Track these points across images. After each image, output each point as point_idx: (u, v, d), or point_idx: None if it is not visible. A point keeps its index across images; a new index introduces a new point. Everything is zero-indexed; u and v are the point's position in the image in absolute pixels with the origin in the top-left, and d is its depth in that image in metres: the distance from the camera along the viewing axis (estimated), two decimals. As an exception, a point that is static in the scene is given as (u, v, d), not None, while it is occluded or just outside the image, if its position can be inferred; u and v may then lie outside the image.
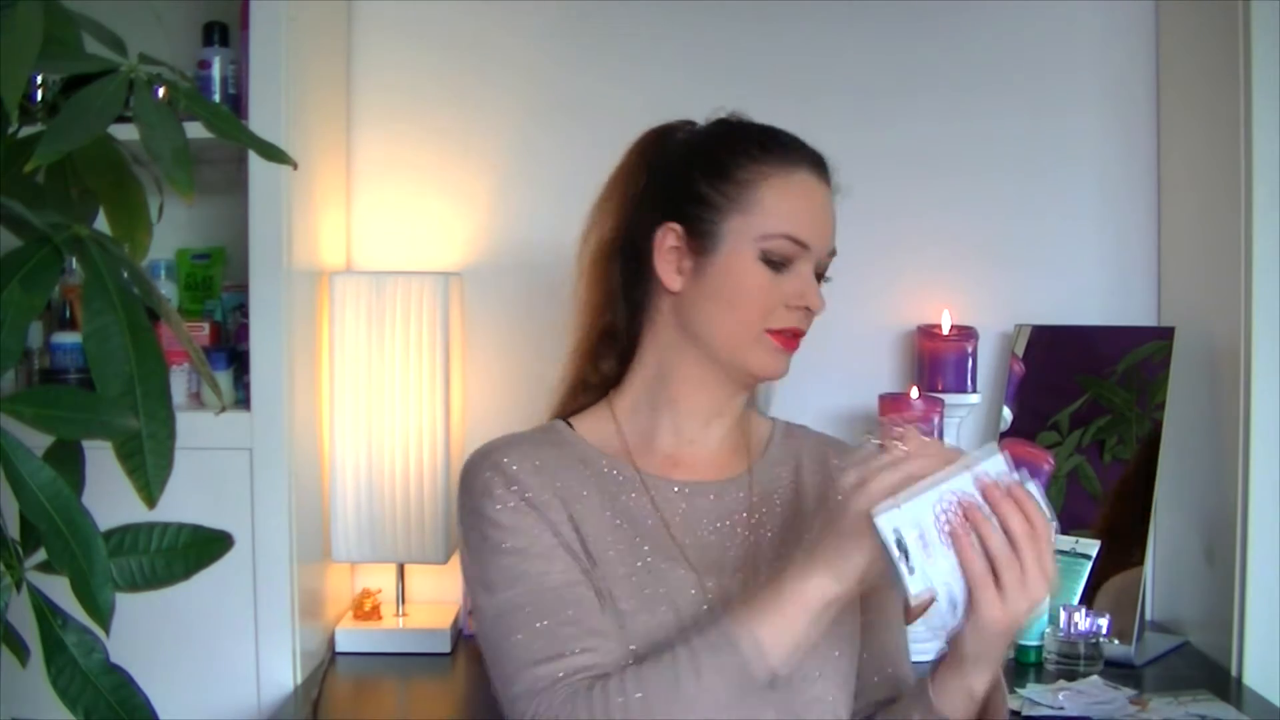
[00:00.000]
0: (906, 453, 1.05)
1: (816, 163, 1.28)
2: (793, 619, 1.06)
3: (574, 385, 1.35)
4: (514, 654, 1.14)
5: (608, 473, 1.27)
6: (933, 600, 1.02)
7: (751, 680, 1.06)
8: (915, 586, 1.01)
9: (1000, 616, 1.02)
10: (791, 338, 1.24)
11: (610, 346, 1.33)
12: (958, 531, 1.02)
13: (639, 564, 1.21)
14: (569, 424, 1.32)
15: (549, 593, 1.16)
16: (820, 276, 1.27)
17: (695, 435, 1.30)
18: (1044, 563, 1.03)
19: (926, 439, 1.07)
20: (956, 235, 2.20)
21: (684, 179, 1.26)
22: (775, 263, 1.22)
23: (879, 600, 1.25)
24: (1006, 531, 1.02)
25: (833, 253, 1.28)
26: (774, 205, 1.23)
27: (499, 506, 1.20)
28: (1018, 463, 2.17)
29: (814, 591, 1.06)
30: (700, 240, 1.24)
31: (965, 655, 1.07)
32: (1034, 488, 1.06)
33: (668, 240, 1.26)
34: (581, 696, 1.08)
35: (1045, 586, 1.03)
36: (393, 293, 1.99)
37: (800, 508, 1.30)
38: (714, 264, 1.24)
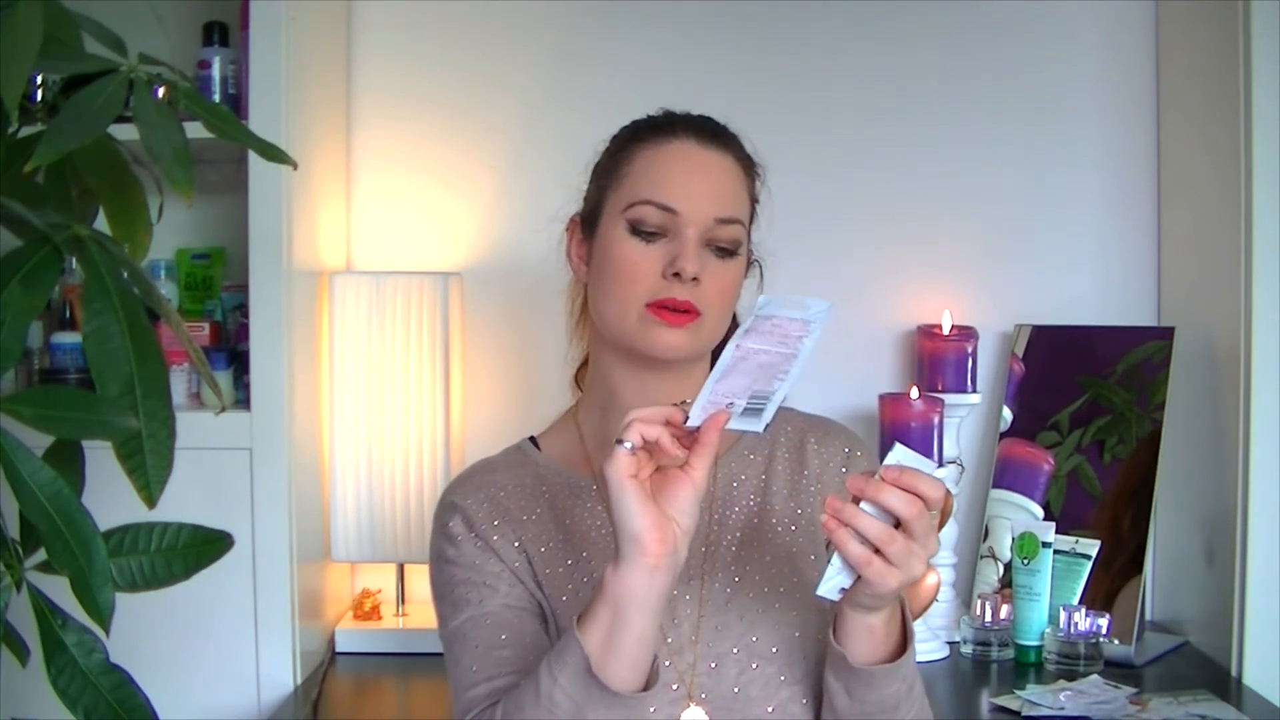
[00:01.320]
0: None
1: (702, 131, 1.23)
2: (619, 615, 1.05)
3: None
4: (457, 678, 1.19)
5: (564, 488, 1.27)
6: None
7: (600, 683, 1.04)
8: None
9: (893, 582, 1.02)
10: (672, 311, 1.17)
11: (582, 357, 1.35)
12: (829, 525, 1.02)
13: (584, 579, 1.22)
14: (535, 442, 1.33)
15: (488, 618, 1.19)
16: (722, 250, 1.20)
17: None
18: (932, 522, 1.04)
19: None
20: (956, 235, 2.20)
21: (591, 175, 1.29)
22: (647, 233, 1.19)
23: None
24: (889, 511, 1.02)
25: (727, 220, 1.20)
26: (640, 173, 1.21)
27: (454, 544, 1.24)
28: (1018, 464, 2.16)
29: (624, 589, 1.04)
30: (588, 223, 1.26)
31: (862, 604, 1.07)
32: (904, 455, 1.05)
33: (574, 233, 1.28)
34: (485, 716, 1.13)
35: (935, 543, 1.04)
36: (393, 293, 1.99)
37: (766, 503, 1.26)
38: (597, 243, 1.23)
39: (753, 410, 1.06)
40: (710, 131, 1.24)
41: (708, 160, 1.22)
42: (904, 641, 1.11)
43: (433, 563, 1.27)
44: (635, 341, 1.20)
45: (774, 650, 1.18)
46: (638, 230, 1.19)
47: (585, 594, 1.20)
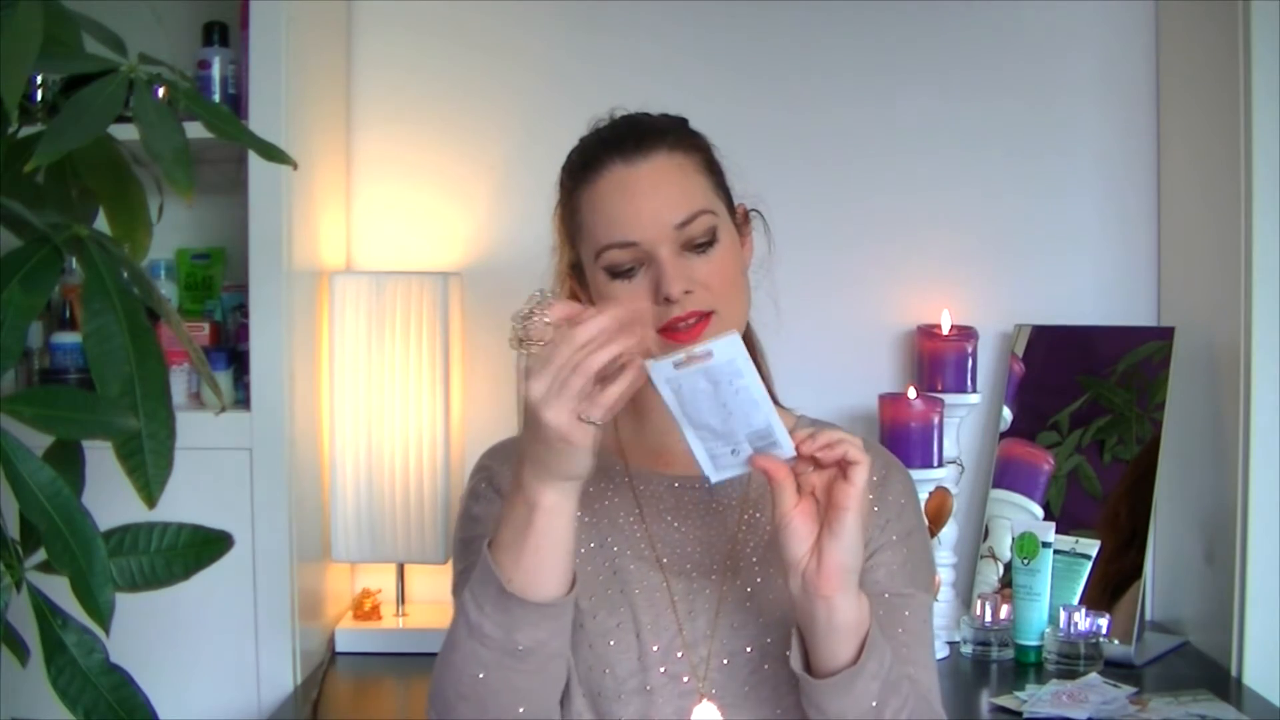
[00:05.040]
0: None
1: (624, 147, 1.20)
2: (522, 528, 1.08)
3: None
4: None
5: (598, 470, 1.25)
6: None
7: (511, 597, 1.07)
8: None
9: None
10: (683, 332, 1.16)
11: None
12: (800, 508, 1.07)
13: (605, 563, 1.22)
14: None
15: None
16: (700, 245, 1.18)
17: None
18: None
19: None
20: (956, 235, 2.20)
21: (558, 222, 1.30)
22: (623, 273, 1.18)
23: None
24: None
25: (687, 220, 1.17)
26: (590, 222, 1.20)
27: (479, 502, 1.26)
28: (1018, 464, 2.16)
29: (545, 503, 1.08)
30: (578, 273, 1.26)
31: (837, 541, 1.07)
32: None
33: (573, 284, 1.28)
34: None
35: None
36: (393, 293, 1.99)
37: None
38: (594, 293, 1.23)
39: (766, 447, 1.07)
40: (631, 142, 1.20)
41: (639, 175, 1.19)
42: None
43: (458, 526, 1.29)
44: None
45: (788, 654, 1.17)
46: (616, 274, 1.18)
47: (604, 578, 1.21)
